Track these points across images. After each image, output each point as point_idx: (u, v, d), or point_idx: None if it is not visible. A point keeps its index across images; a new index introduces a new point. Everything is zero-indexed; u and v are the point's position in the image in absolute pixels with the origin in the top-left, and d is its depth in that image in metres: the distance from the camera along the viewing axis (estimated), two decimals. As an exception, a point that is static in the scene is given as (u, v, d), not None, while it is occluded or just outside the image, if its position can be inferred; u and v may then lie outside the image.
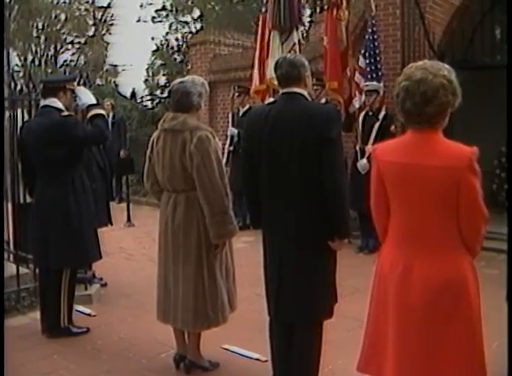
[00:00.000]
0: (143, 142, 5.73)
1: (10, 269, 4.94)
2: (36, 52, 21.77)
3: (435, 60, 2.97)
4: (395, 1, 7.73)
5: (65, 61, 22.54)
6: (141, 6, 20.57)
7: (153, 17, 20.14)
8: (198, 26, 19.44)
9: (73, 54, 22.94)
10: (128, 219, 9.00)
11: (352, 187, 4.92)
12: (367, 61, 7.29)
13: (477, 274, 2.40)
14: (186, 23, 20.14)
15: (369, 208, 2.61)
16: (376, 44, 7.33)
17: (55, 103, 4.28)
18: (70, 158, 4.27)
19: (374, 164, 2.52)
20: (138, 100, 16.57)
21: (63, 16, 21.93)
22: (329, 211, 2.97)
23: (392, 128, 6.62)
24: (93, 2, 22.73)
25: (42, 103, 4.38)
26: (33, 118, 4.75)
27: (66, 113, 4.29)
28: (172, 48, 18.90)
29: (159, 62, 19.20)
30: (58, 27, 21.89)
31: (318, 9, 14.12)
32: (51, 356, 3.99)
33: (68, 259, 4.27)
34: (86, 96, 4.42)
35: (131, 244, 7.65)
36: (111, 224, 5.50)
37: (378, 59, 7.31)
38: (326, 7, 7.83)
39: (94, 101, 4.42)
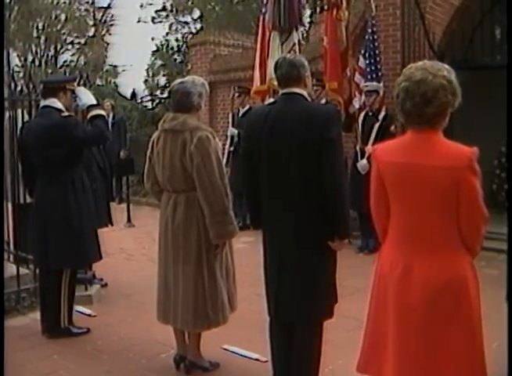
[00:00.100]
0: (143, 143, 5.75)
1: (10, 269, 4.95)
2: (36, 52, 21.76)
3: (435, 60, 2.97)
4: (395, 2, 7.73)
5: (65, 61, 22.54)
6: (141, 7, 20.60)
7: (153, 18, 20.16)
8: (198, 26, 19.45)
9: (73, 54, 22.94)
10: (128, 220, 9.00)
11: (352, 187, 4.92)
12: (367, 61, 7.29)
13: (477, 274, 2.40)
14: (186, 23, 20.14)
15: (369, 208, 2.62)
16: (376, 44, 7.33)
17: (56, 103, 4.28)
18: (70, 158, 4.27)
19: (374, 165, 2.52)
20: (139, 101, 16.57)
21: (63, 17, 21.93)
22: (329, 212, 2.97)
23: (392, 128, 6.62)
24: (93, 3, 22.74)
25: (42, 103, 4.38)
26: (33, 119, 4.75)
27: (66, 113, 4.29)
28: (172, 48, 18.90)
29: (159, 62, 19.18)
30: (58, 27, 21.89)
31: (318, 10, 14.11)
32: (51, 357, 4.00)
33: (68, 259, 4.27)
34: (86, 97, 4.42)
35: (132, 245, 7.65)
36: (111, 224, 5.50)
37: (378, 59, 7.31)
38: (326, 7, 7.82)
39: (94, 101, 4.42)
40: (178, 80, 3.75)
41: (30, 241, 4.52)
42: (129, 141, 11.32)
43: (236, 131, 8.25)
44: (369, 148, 6.49)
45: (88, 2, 22.56)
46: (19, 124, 4.90)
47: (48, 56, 21.92)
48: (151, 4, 20.34)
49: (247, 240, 6.46)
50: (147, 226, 8.05)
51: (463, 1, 7.82)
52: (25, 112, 5.16)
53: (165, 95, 16.29)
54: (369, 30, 7.39)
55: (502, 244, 4.33)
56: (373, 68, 7.24)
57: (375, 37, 7.35)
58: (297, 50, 7.27)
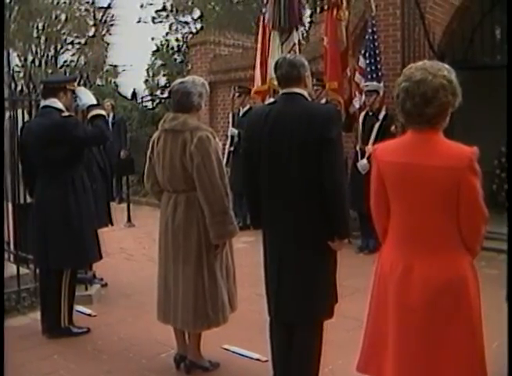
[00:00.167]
0: (143, 143, 5.75)
1: (10, 269, 4.95)
2: (36, 52, 21.78)
3: (435, 60, 2.97)
4: (395, 2, 7.73)
5: (65, 61, 22.57)
6: (141, 7, 20.63)
7: (154, 18, 20.18)
8: (198, 26, 19.46)
9: (73, 54, 22.97)
10: (129, 220, 9.01)
11: (352, 187, 4.92)
12: (367, 61, 7.29)
13: (478, 274, 2.40)
14: (186, 23, 20.16)
15: (369, 208, 2.62)
16: (376, 44, 7.33)
17: (56, 103, 4.28)
18: (70, 158, 4.27)
19: (374, 165, 2.52)
20: (139, 101, 16.58)
21: (63, 17, 21.95)
22: (329, 211, 2.97)
23: (392, 128, 6.62)
24: (93, 3, 22.77)
25: (42, 103, 4.38)
26: (33, 119, 4.75)
27: (66, 113, 4.29)
28: (172, 48, 18.91)
29: (159, 62, 19.20)
30: (58, 27, 21.91)
31: (318, 10, 14.11)
32: (51, 357, 4.00)
33: (68, 259, 4.27)
34: (86, 97, 4.42)
35: (132, 245, 7.65)
36: (111, 224, 5.50)
37: (378, 59, 7.31)
38: (326, 7, 7.82)
39: (94, 101, 4.43)
40: (179, 80, 3.75)
41: (30, 241, 4.52)
42: (129, 141, 11.32)
43: (236, 131, 8.25)
44: (369, 148, 6.49)
45: (88, 2, 22.59)
46: (20, 124, 4.90)
47: (48, 56, 21.94)
48: (151, 4, 20.39)
49: (247, 240, 6.46)
50: (147, 226, 8.05)
51: (463, 1, 7.82)
52: (25, 112, 5.16)
53: (165, 95, 16.30)
54: (369, 30, 7.39)
55: (502, 244, 4.33)
56: (373, 68, 7.25)
57: (375, 37, 7.35)
58: (297, 50, 7.27)
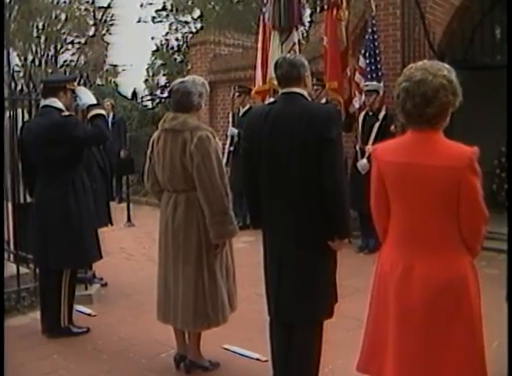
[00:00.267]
0: (143, 142, 5.73)
1: (10, 269, 4.95)
2: (36, 52, 21.78)
3: (435, 60, 2.96)
4: (395, 1, 7.73)
5: (65, 61, 22.56)
6: (141, 6, 20.60)
7: (153, 17, 20.16)
8: (198, 26, 19.45)
9: (73, 54, 22.97)
10: (128, 219, 9.01)
11: (352, 187, 4.92)
12: (367, 61, 7.29)
13: (478, 274, 2.40)
14: (186, 23, 20.15)
15: (369, 208, 2.62)
16: (376, 44, 7.33)
17: (56, 102, 4.28)
18: (70, 158, 4.27)
19: (374, 164, 2.52)
20: (139, 100, 16.58)
21: (63, 16, 21.95)
22: (329, 211, 2.97)
23: (392, 128, 6.62)
24: (93, 2, 22.76)
25: (42, 102, 4.37)
26: (33, 118, 4.75)
27: (66, 113, 4.28)
28: (172, 48, 18.92)
29: (159, 62, 19.20)
30: (58, 27, 21.91)
31: (318, 9, 14.12)
32: (51, 356, 4.00)
33: (68, 259, 4.27)
34: (86, 96, 4.42)
35: (132, 244, 7.65)
36: (111, 224, 5.50)
37: (378, 59, 7.31)
38: (326, 7, 7.82)
39: (94, 101, 4.42)
40: (179, 79, 3.75)
41: (30, 241, 4.52)
42: (129, 141, 11.32)
43: (236, 131, 8.25)
44: (369, 148, 6.49)
45: (88, 2, 22.59)
46: (20, 124, 4.90)
47: (48, 55, 21.94)
48: (151, 3, 20.37)
49: (247, 239, 6.46)
50: (147, 226, 8.06)
51: (463, 1, 7.82)
52: (25, 111, 5.16)
53: (165, 94, 16.30)
54: (369, 30, 7.39)
55: (502, 244, 4.33)
56: (373, 68, 7.24)
57: (375, 36, 7.35)
58: (297, 50, 7.27)
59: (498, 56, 7.83)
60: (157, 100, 16.60)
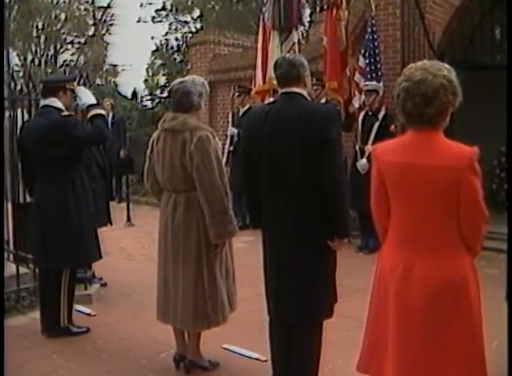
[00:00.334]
0: (143, 142, 5.74)
1: (10, 268, 4.94)
2: (36, 51, 21.78)
3: (435, 60, 2.96)
4: (395, 1, 7.73)
5: (65, 61, 22.56)
6: (141, 6, 20.61)
7: (153, 17, 20.17)
8: (198, 26, 19.45)
9: (73, 54, 22.96)
10: (128, 219, 9.00)
11: (352, 187, 4.92)
12: (367, 61, 7.29)
13: (478, 274, 2.40)
14: (186, 22, 20.15)
15: (369, 208, 2.61)
16: (375, 44, 7.34)
17: (55, 102, 4.28)
18: (69, 158, 4.27)
19: (375, 164, 2.51)
20: (139, 100, 16.58)
21: (62, 16, 21.95)
22: (328, 211, 2.97)
23: (392, 127, 6.62)
24: (93, 2, 22.75)
25: (42, 102, 4.37)
26: (33, 118, 4.75)
27: (66, 113, 4.28)
28: (172, 48, 18.92)
29: (159, 62, 19.20)
30: (58, 26, 21.91)
31: (318, 9, 14.12)
32: (50, 356, 3.99)
33: (68, 259, 4.26)
34: (86, 96, 4.42)
35: (131, 244, 7.64)
36: (111, 224, 5.50)
37: (378, 58, 7.31)
38: (325, 7, 7.82)
39: (94, 101, 4.42)
40: (178, 79, 3.75)
41: (29, 241, 4.51)
42: (129, 140, 11.33)
43: (235, 131, 8.25)
44: (368, 147, 6.49)
45: (87, 2, 22.59)
46: (19, 124, 4.89)
47: (47, 55, 21.94)
48: (151, 3, 20.37)
49: (247, 239, 6.46)
50: (147, 226, 8.05)
51: (463, 1, 7.82)
52: (25, 111, 5.16)
53: (165, 94, 16.30)
54: (369, 30, 7.39)
55: (502, 244, 4.33)
56: (372, 68, 7.25)
57: (375, 36, 7.35)
58: (297, 50, 7.26)
59: (498, 55, 7.84)
60: (157, 100, 16.60)
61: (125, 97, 16.19)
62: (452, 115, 2.39)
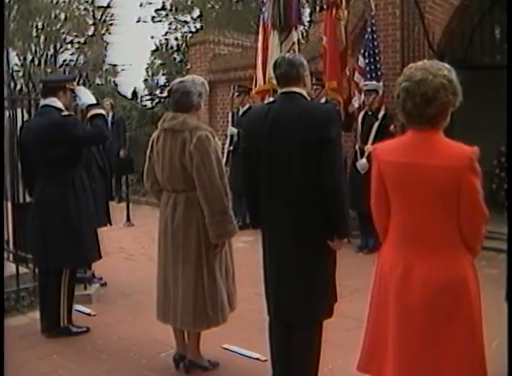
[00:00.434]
0: (143, 142, 5.74)
1: (10, 268, 4.94)
2: (35, 51, 21.75)
3: (435, 60, 2.96)
4: (395, 1, 7.73)
5: (64, 61, 22.53)
6: (140, 6, 20.59)
7: (153, 17, 20.16)
8: (198, 25, 19.44)
9: (72, 54, 22.93)
10: (128, 219, 9.00)
11: (352, 187, 4.92)
12: (366, 61, 7.29)
13: (478, 274, 2.40)
14: (186, 22, 20.13)
15: (369, 208, 2.61)
16: (375, 43, 7.34)
17: (55, 102, 4.28)
18: (69, 158, 4.27)
19: (375, 164, 2.51)
20: (139, 100, 16.58)
21: (62, 16, 21.92)
22: (328, 211, 2.97)
23: (391, 127, 6.62)
24: (93, 2, 22.73)
25: (42, 102, 4.37)
26: (32, 118, 4.75)
27: (65, 112, 4.28)
28: (172, 47, 18.90)
29: (158, 61, 19.19)
30: (57, 26, 21.87)
31: (317, 9, 14.12)
32: (50, 356, 3.99)
33: (67, 259, 4.26)
34: (86, 96, 4.41)
35: (131, 244, 7.64)
36: (110, 224, 5.50)
37: (377, 58, 7.31)
38: (325, 7, 7.82)
39: (94, 101, 4.42)
40: (178, 79, 3.75)
41: (29, 241, 4.51)
42: (128, 140, 11.33)
43: (235, 131, 8.25)
44: (368, 147, 6.49)
45: (87, 1, 22.55)
46: (19, 124, 4.89)
47: (47, 55, 21.92)
48: (151, 3, 20.35)
49: (247, 239, 6.46)
50: (146, 226, 8.05)
51: (463, 1, 7.82)
52: (25, 111, 5.16)
53: (165, 94, 16.29)
54: (369, 30, 7.39)
55: (502, 244, 4.33)
56: (372, 67, 7.25)
57: (374, 36, 7.35)
58: (297, 49, 7.27)
59: (497, 55, 7.84)
60: (157, 100, 16.59)
61: (125, 97, 16.18)
62: (452, 115, 2.38)
